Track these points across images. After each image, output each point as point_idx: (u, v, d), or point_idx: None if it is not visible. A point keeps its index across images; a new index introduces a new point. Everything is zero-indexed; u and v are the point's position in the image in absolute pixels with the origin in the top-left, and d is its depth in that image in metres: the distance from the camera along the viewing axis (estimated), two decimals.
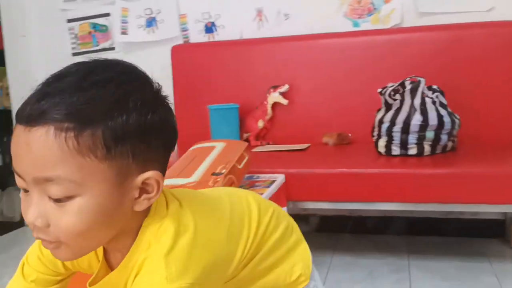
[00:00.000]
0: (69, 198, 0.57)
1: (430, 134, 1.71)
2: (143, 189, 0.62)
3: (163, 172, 0.64)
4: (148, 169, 0.61)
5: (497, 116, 1.99)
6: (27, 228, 2.74)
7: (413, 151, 1.74)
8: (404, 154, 1.75)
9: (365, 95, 2.08)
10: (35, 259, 0.73)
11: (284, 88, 2.15)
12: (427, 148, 1.73)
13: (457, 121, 1.76)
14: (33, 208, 0.58)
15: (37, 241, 0.72)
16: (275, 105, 2.18)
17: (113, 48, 2.53)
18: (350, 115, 2.13)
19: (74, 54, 2.58)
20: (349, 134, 2.09)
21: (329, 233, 2.26)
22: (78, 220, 0.58)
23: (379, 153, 1.81)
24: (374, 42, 2.14)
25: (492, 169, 1.64)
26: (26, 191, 0.60)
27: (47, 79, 0.59)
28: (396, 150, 1.75)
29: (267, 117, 2.18)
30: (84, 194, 0.58)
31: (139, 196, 0.62)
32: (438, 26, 2.08)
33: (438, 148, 1.74)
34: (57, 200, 0.58)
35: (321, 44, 2.21)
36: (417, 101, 1.71)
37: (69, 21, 2.57)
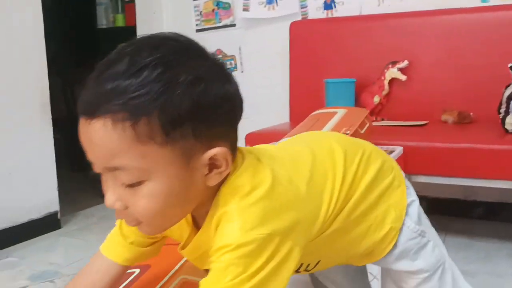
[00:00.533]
0: (139, 183, 0.59)
1: None
2: (213, 164, 0.61)
3: (231, 145, 0.63)
4: (213, 146, 0.60)
5: None
6: None
7: None
8: None
9: (489, 72, 1.99)
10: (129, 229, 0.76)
11: (404, 64, 2.12)
12: None
13: None
14: (110, 193, 0.61)
15: None
16: (392, 81, 2.16)
17: (234, 25, 2.66)
18: (472, 92, 2.05)
19: (198, 31, 2.75)
20: (471, 113, 2.01)
21: (441, 215, 2.20)
22: (152, 203, 0.60)
23: (506, 130, 1.73)
24: (504, 18, 2.04)
25: None
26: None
27: (99, 67, 0.60)
28: None
29: (384, 92, 2.17)
30: (153, 179, 0.59)
31: (210, 172, 0.62)
32: None
33: None
34: (129, 185, 0.59)
35: (444, 21, 2.14)
36: None
37: None
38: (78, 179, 3.08)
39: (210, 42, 2.88)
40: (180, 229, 0.71)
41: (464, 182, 1.74)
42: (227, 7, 2.66)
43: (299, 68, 2.39)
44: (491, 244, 1.86)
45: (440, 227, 2.04)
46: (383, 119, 2.17)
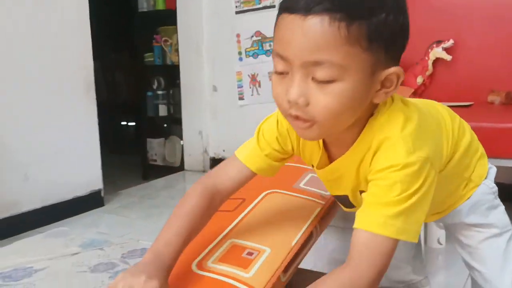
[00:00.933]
0: (331, 81, 0.65)
1: None
2: (383, 84, 0.69)
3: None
4: (391, 65, 0.68)
5: None
6: (186, 172, 3.04)
7: None
8: None
9: None
10: (273, 138, 0.83)
11: (449, 43, 2.07)
12: None
13: None
14: (296, 88, 0.66)
15: (273, 123, 0.84)
16: (436, 61, 2.11)
17: (273, 6, 2.64)
18: None
19: (237, 13, 2.75)
20: None
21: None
22: (337, 101, 0.66)
23: None
24: None
25: None
26: (281, 73, 0.68)
27: None
28: None
29: (428, 73, 2.12)
30: (345, 79, 0.65)
31: (380, 89, 0.69)
32: None
33: None
34: (321, 82, 0.65)
35: (493, 2, 2.07)
36: None
37: None
38: (116, 161, 3.16)
39: (249, 24, 2.90)
40: (311, 150, 0.81)
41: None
42: None
43: None
44: None
45: None
46: None
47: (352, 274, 0.67)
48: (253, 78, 2.76)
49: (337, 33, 0.63)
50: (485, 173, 0.91)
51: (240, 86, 2.81)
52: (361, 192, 0.77)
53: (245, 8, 2.73)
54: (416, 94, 2.15)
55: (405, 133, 0.70)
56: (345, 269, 0.68)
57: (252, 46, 2.73)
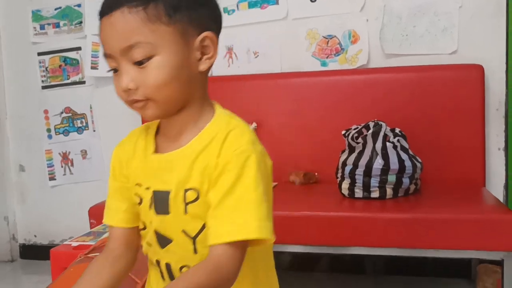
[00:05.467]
0: (149, 58, 0.74)
1: (391, 177, 1.72)
2: (202, 51, 0.78)
3: (217, 37, 0.80)
4: (201, 32, 0.77)
5: (461, 159, 2.01)
6: None
7: (375, 194, 1.74)
8: (367, 197, 1.75)
9: (332, 134, 2.09)
10: (114, 175, 0.88)
11: (252, 126, 2.15)
12: (389, 191, 1.74)
13: (418, 164, 1.77)
14: (124, 76, 0.75)
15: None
16: None
17: (83, 82, 2.52)
18: (317, 154, 2.14)
19: (44, 87, 2.56)
20: (316, 174, 2.09)
21: (298, 271, 2.24)
22: (160, 73, 0.74)
23: (343, 195, 1.81)
24: (341, 82, 2.17)
25: (455, 214, 1.63)
26: (115, 71, 0.77)
27: None
28: (359, 192, 1.76)
29: None
30: (159, 53, 0.74)
31: (201, 57, 0.78)
32: (403, 67, 2.12)
33: (401, 191, 1.75)
34: (140, 63, 0.74)
35: (289, 83, 2.23)
36: (379, 146, 1.72)
37: (40, 54, 2.56)
38: None
39: (58, 99, 2.71)
40: (143, 146, 0.84)
41: (311, 249, 1.78)
42: (75, 63, 2.52)
43: None
44: None
45: (300, 285, 2.06)
46: None
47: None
48: (65, 157, 2.56)
49: (137, 17, 0.73)
50: None
51: (50, 165, 2.59)
52: (187, 190, 0.77)
53: (53, 83, 2.56)
54: None
55: (248, 129, 0.80)
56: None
57: (62, 123, 2.55)
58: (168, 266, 0.81)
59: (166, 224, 0.79)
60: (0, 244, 2.66)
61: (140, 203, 0.83)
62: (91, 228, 1.90)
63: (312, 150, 2.16)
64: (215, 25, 0.80)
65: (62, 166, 2.58)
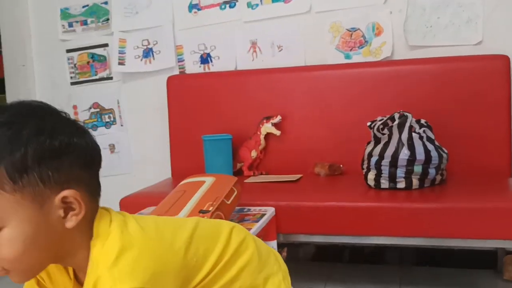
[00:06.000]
0: None
1: (418, 168, 1.73)
2: (68, 207, 0.68)
3: (88, 188, 0.71)
4: (61, 190, 0.67)
5: (486, 149, 2.01)
6: None
7: (401, 184, 1.75)
8: (393, 188, 1.77)
9: (357, 127, 2.10)
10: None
11: (277, 119, 2.18)
12: (415, 182, 1.75)
13: (444, 155, 1.78)
14: None
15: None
16: (268, 135, 2.21)
17: (110, 78, 2.58)
18: (342, 146, 2.15)
19: (73, 84, 2.63)
20: (341, 165, 2.11)
21: (322, 262, 2.27)
22: (12, 248, 0.65)
23: (369, 186, 1.83)
24: (365, 74, 2.18)
25: (481, 203, 1.65)
26: None
27: None
28: (385, 183, 1.77)
29: (260, 147, 2.21)
30: (8, 225, 0.65)
31: (66, 215, 0.68)
32: (428, 59, 2.12)
33: (427, 181, 1.76)
34: None
35: (313, 76, 2.25)
36: (405, 136, 1.73)
37: (68, 51, 2.62)
38: None
39: (86, 95, 2.78)
40: (63, 281, 0.77)
41: (334, 239, 1.81)
42: (103, 59, 2.58)
43: (178, 123, 2.37)
44: None
45: (322, 275, 2.10)
46: (261, 173, 2.21)
47: None
48: None
49: None
50: None
51: None
52: None
53: (81, 79, 2.62)
54: (253, 167, 2.23)
55: (114, 269, 0.66)
56: None
57: (90, 118, 2.61)
58: None
59: None
60: None
61: None
62: None
63: (337, 142, 2.17)
64: (82, 174, 0.70)
65: None
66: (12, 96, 2.72)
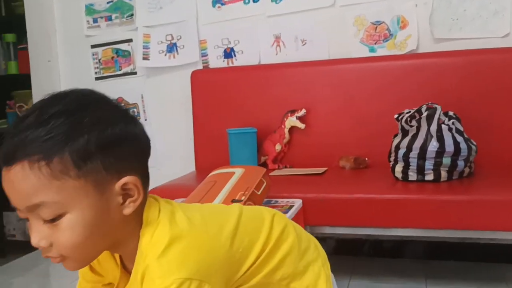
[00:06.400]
0: (59, 216, 0.66)
1: (446, 160, 1.72)
2: (126, 194, 0.70)
3: (142, 176, 0.73)
4: (122, 177, 0.69)
5: None
6: None
7: (429, 177, 1.75)
8: (421, 180, 1.76)
9: (382, 120, 2.10)
10: (86, 273, 0.84)
11: (301, 112, 2.19)
12: (443, 174, 1.74)
13: (473, 147, 1.77)
14: (34, 233, 0.67)
15: None
16: (292, 129, 2.22)
17: (135, 73, 2.60)
18: (367, 139, 2.15)
19: (97, 79, 2.66)
20: (366, 159, 2.11)
21: (347, 256, 2.27)
22: (73, 234, 0.67)
23: (396, 178, 1.82)
24: (390, 67, 2.18)
25: (510, 196, 1.63)
26: (27, 220, 0.69)
27: (14, 122, 0.69)
28: (412, 175, 1.77)
29: (285, 140, 2.22)
30: (71, 211, 0.66)
31: (124, 201, 0.71)
32: (454, 51, 2.11)
33: (455, 174, 1.75)
34: (50, 221, 0.66)
35: (337, 69, 2.25)
36: (434, 128, 1.72)
37: (93, 46, 2.66)
38: None
39: (110, 90, 2.80)
40: (112, 269, 0.79)
41: (362, 231, 1.81)
42: (127, 55, 2.60)
43: (202, 117, 2.38)
44: (392, 285, 1.93)
45: (347, 269, 2.10)
46: (285, 167, 2.22)
47: None
48: None
49: (40, 174, 0.64)
50: (317, 282, 0.88)
51: None
52: None
53: (106, 74, 2.65)
54: (277, 161, 2.24)
55: (162, 259, 0.68)
56: None
57: None
58: None
59: None
60: None
61: None
62: None
63: (361, 136, 2.17)
64: (138, 161, 0.72)
65: None
66: (38, 91, 2.75)
